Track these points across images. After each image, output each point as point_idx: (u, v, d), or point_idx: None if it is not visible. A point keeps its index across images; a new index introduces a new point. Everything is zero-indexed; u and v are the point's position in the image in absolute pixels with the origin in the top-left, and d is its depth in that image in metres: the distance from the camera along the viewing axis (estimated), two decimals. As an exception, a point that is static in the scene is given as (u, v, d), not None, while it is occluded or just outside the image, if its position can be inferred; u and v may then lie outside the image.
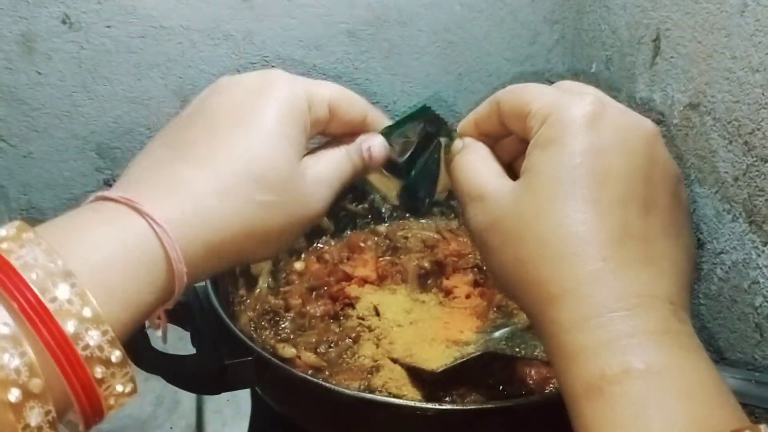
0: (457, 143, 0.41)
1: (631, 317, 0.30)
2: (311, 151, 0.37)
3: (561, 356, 0.31)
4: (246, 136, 0.32)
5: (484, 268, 0.69)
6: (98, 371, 0.25)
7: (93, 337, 0.25)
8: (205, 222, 0.30)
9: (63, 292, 0.25)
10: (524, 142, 0.37)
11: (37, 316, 0.24)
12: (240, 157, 0.31)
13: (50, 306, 0.24)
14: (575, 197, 0.32)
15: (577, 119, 0.34)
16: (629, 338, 0.29)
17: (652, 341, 0.29)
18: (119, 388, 0.26)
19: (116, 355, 0.26)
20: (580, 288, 0.31)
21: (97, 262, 0.27)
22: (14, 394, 0.23)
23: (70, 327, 0.24)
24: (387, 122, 0.41)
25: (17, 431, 0.23)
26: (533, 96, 0.37)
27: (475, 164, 0.38)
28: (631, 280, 0.31)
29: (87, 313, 0.25)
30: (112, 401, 0.26)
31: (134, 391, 0.27)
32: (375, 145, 0.39)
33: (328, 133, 0.38)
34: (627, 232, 0.32)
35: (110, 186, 0.32)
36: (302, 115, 0.34)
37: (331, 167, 0.37)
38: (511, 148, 0.40)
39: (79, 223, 0.28)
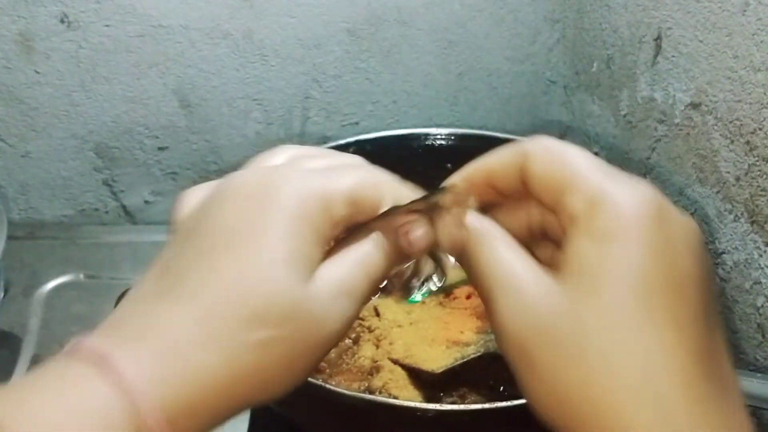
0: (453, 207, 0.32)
1: None
2: (330, 250, 0.30)
3: None
4: (240, 263, 0.26)
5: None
6: None
7: None
8: (187, 373, 0.25)
9: None
10: (543, 212, 0.31)
11: None
12: (230, 290, 0.26)
13: None
14: (652, 309, 0.26)
15: (645, 213, 0.27)
16: None
17: None
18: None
19: None
20: (666, 426, 0.26)
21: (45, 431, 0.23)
22: None
23: None
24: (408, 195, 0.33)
25: None
26: (579, 169, 0.29)
27: (503, 253, 0.29)
28: (716, 419, 0.27)
29: None
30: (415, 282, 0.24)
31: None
32: (416, 233, 0.31)
33: (351, 226, 0.31)
34: (707, 356, 0.27)
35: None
36: (314, 224, 0.28)
37: (354, 269, 0.30)
38: (520, 215, 0.32)
39: (35, 387, 0.24)
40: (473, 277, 0.31)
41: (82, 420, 0.24)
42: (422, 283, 0.33)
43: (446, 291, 0.34)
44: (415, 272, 0.33)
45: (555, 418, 0.29)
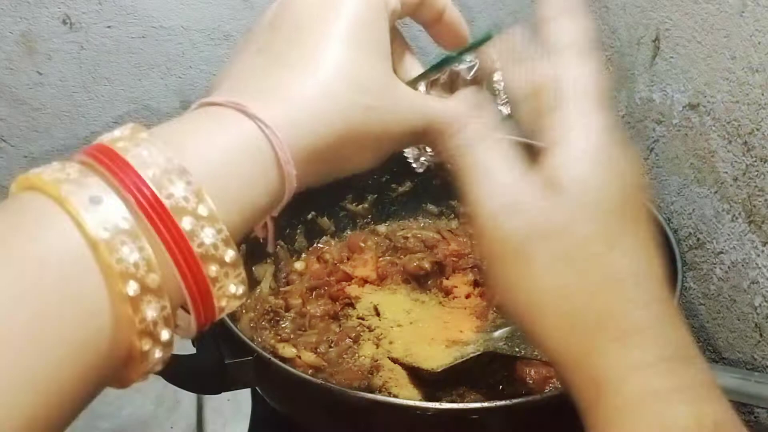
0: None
1: (700, 365, 0.30)
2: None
3: (620, 399, 0.30)
4: (338, 42, 0.31)
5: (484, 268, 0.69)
6: (212, 269, 0.25)
7: (208, 235, 0.25)
8: (311, 124, 0.29)
9: (179, 189, 0.25)
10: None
11: (154, 212, 0.24)
12: (336, 61, 0.30)
13: (167, 202, 0.24)
14: (640, 224, 0.31)
15: (599, 159, 0.32)
16: (701, 387, 0.29)
17: (716, 394, 0.29)
18: (231, 288, 0.26)
19: (230, 254, 0.26)
20: (656, 327, 0.30)
21: (211, 163, 0.27)
22: (132, 288, 0.23)
23: (186, 224, 0.24)
24: (460, 21, 0.40)
25: (134, 323, 0.23)
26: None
27: (495, 163, 0.34)
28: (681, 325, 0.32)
29: (202, 211, 0.25)
30: (224, 302, 0.26)
31: (245, 294, 0.27)
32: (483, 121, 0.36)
33: (407, 12, 0.38)
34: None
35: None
36: (382, 13, 0.33)
37: (427, 105, 0.35)
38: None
39: (191, 125, 0.28)
40: (465, 188, 0.36)
41: (239, 152, 0.27)
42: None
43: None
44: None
45: (539, 320, 0.32)
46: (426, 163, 0.41)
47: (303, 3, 0.33)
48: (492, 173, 0.34)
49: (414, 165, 0.41)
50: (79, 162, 0.25)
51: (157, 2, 0.73)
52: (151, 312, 0.24)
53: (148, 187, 0.24)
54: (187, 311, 0.26)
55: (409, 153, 0.41)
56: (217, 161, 0.27)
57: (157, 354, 0.25)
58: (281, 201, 0.30)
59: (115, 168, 0.24)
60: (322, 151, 0.30)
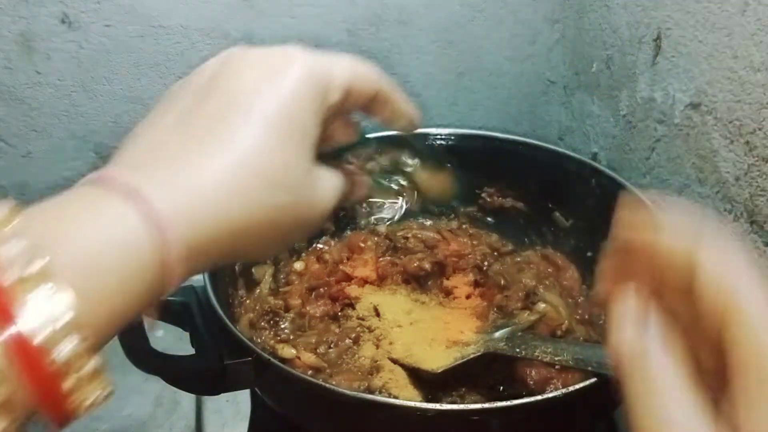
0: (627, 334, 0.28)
1: None
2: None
3: None
4: (263, 130, 0.29)
5: (484, 268, 0.69)
6: (68, 382, 0.24)
7: (66, 347, 0.23)
8: (210, 217, 0.28)
9: (39, 295, 0.23)
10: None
11: (4, 323, 0.23)
12: (256, 153, 0.29)
13: (20, 312, 0.23)
14: None
15: None
16: None
17: None
18: (92, 396, 0.25)
19: (90, 365, 0.24)
20: None
21: (80, 260, 0.25)
22: None
23: (39, 338, 0.23)
24: (399, 96, 0.38)
25: None
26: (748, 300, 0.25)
27: (668, 402, 0.26)
28: None
29: (64, 318, 0.23)
30: (82, 411, 0.25)
31: (111, 393, 0.26)
32: (361, 183, 0.38)
33: (337, 113, 0.35)
34: None
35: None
36: (319, 104, 0.31)
37: (338, 183, 0.35)
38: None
39: (71, 212, 0.26)
40: (633, 418, 0.27)
41: (114, 248, 0.26)
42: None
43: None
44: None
45: None
46: (381, 218, 0.43)
47: (241, 73, 0.31)
48: (671, 419, 0.25)
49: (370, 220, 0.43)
50: None
51: (156, 1, 0.73)
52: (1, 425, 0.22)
53: (3, 296, 0.23)
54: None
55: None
56: (87, 258, 0.25)
57: None
58: (164, 293, 0.28)
59: None
60: (218, 245, 0.28)
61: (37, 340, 0.23)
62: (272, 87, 0.30)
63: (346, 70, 0.33)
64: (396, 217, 0.41)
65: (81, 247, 0.25)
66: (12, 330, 0.22)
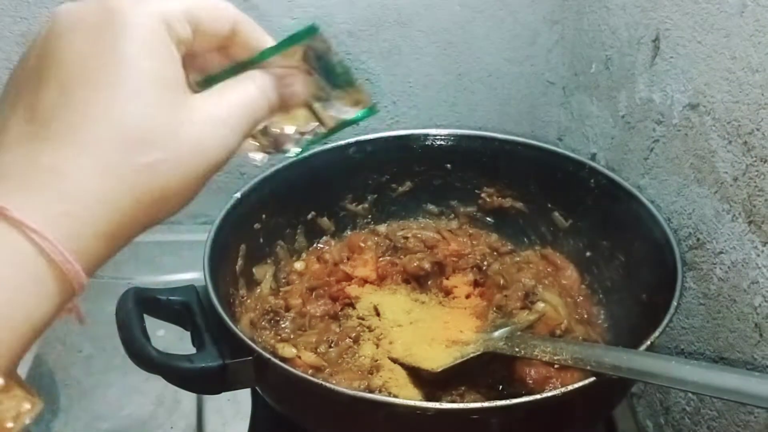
0: None
1: None
2: (214, 86, 0.32)
3: None
4: (109, 95, 0.27)
5: (484, 268, 0.69)
6: None
7: None
8: (92, 210, 0.26)
9: None
10: None
11: None
12: (110, 122, 0.27)
13: None
14: None
15: None
16: None
17: None
18: (12, 411, 0.24)
19: None
20: None
21: None
22: None
23: None
24: (259, 34, 0.34)
25: None
26: None
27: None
28: None
29: None
30: (10, 424, 0.24)
31: (34, 405, 0.25)
32: (296, 83, 0.34)
33: (197, 52, 0.32)
34: None
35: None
36: (164, 44, 0.29)
37: (236, 106, 0.31)
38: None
39: None
40: None
41: (9, 265, 0.24)
42: (303, 135, 0.35)
43: (324, 139, 0.36)
44: (295, 124, 0.35)
45: None
46: (268, 154, 0.37)
47: (68, 50, 0.28)
48: None
49: (256, 159, 0.37)
50: None
51: (156, 2, 0.73)
52: None
53: None
54: None
55: (250, 150, 0.37)
56: None
57: None
58: (74, 296, 0.27)
59: None
60: (115, 231, 0.27)
61: None
62: (106, 49, 0.28)
63: (181, 4, 0.30)
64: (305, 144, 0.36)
65: None
66: None
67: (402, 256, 0.70)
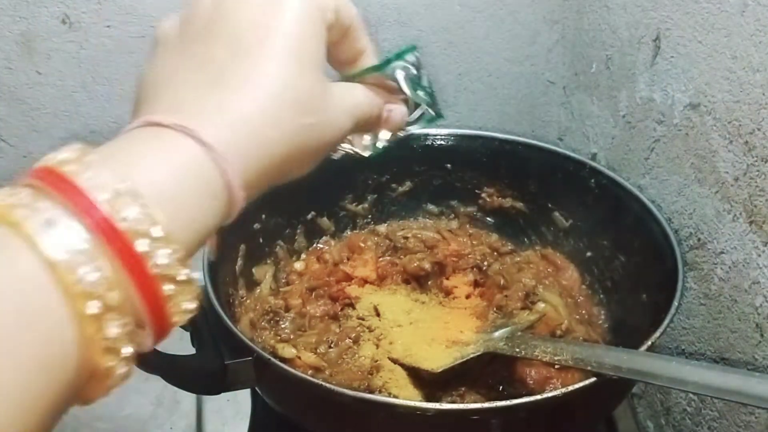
0: None
1: None
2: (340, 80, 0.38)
3: None
4: (280, 61, 0.31)
5: (484, 268, 0.69)
6: (168, 288, 0.26)
7: (163, 255, 0.26)
8: (257, 149, 0.30)
9: (133, 211, 0.25)
10: None
11: (109, 235, 0.24)
12: (276, 80, 0.31)
13: (122, 225, 0.25)
14: None
15: None
16: None
17: None
18: (185, 305, 0.27)
19: (183, 273, 0.27)
20: None
21: (162, 186, 0.27)
22: (94, 306, 0.24)
23: (141, 246, 0.25)
24: (367, 40, 0.40)
25: (98, 342, 0.24)
26: None
27: None
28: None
29: (156, 233, 0.26)
30: (177, 318, 0.27)
31: (199, 308, 0.28)
32: (396, 111, 0.40)
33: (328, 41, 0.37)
34: None
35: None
36: (321, 24, 0.34)
37: (361, 101, 0.37)
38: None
39: (139, 147, 0.28)
40: None
41: (188, 174, 0.28)
42: (376, 139, 0.41)
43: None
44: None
45: None
46: (341, 150, 0.42)
47: (240, 11, 0.32)
48: None
49: (334, 155, 0.41)
50: (29, 186, 0.25)
51: (156, 2, 0.73)
52: (113, 329, 0.24)
53: (102, 211, 0.25)
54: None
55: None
56: (168, 184, 0.27)
57: (120, 370, 0.25)
58: (228, 219, 0.30)
59: (67, 192, 0.25)
60: (267, 171, 0.31)
61: (139, 248, 0.25)
62: (275, 18, 0.32)
63: None
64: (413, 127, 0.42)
65: (159, 174, 0.27)
66: (117, 241, 0.24)
67: (402, 256, 0.70)
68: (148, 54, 0.34)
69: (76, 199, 0.24)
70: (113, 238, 0.24)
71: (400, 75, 0.42)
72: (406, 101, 0.41)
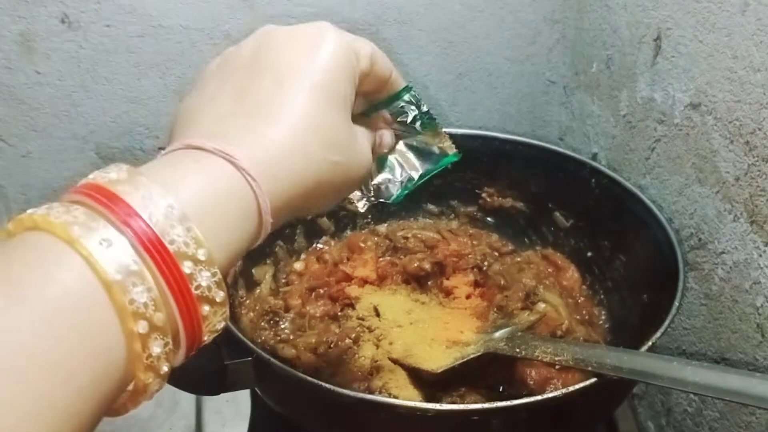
0: None
1: None
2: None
3: None
4: (312, 99, 0.33)
5: (485, 269, 0.69)
6: (205, 309, 0.28)
7: (204, 277, 0.27)
8: (288, 178, 0.32)
9: (180, 234, 0.26)
10: None
11: (159, 256, 0.26)
12: (311, 118, 0.33)
13: (170, 247, 0.26)
14: None
15: None
16: None
17: None
18: (217, 325, 0.29)
19: (220, 295, 0.28)
20: None
21: (203, 209, 0.28)
22: (142, 326, 0.25)
23: (186, 268, 0.26)
24: (403, 82, 0.43)
25: (142, 359, 0.25)
26: None
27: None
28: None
29: (201, 255, 0.27)
30: (207, 337, 0.29)
31: (225, 327, 0.30)
32: (386, 134, 0.43)
33: (363, 90, 0.39)
34: None
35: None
36: (353, 71, 0.36)
37: (367, 132, 0.40)
38: None
39: (182, 170, 0.29)
40: None
41: (226, 197, 0.29)
42: (396, 183, 0.44)
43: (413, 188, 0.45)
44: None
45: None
46: (368, 203, 0.45)
47: (283, 49, 0.35)
48: None
49: (358, 205, 0.45)
50: (80, 203, 0.26)
51: (156, 1, 0.73)
52: (156, 348, 0.26)
53: (153, 232, 0.26)
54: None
55: (353, 196, 0.45)
56: (208, 207, 0.29)
57: (156, 386, 0.27)
58: (256, 243, 0.32)
59: (120, 212, 0.26)
60: (293, 201, 0.33)
61: (186, 270, 0.26)
62: (313, 61, 0.34)
63: (369, 45, 0.38)
64: (398, 193, 0.45)
65: (202, 197, 0.29)
66: (166, 262, 0.26)
67: (402, 257, 0.70)
68: (190, 85, 0.37)
69: (128, 220, 0.26)
70: (162, 260, 0.26)
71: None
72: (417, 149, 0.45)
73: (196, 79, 0.37)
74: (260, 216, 0.31)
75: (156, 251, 0.26)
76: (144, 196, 0.26)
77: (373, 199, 0.45)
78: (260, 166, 0.31)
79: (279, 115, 0.33)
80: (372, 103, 0.42)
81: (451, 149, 0.46)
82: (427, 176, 0.45)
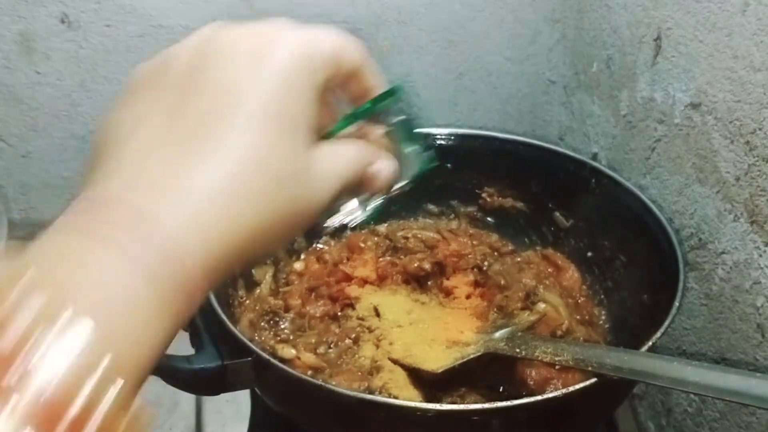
0: None
1: None
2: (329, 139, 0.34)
3: None
4: (259, 125, 0.28)
5: (485, 269, 0.69)
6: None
7: (109, 397, 0.22)
8: (222, 227, 0.27)
9: (70, 350, 0.22)
10: None
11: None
12: (255, 149, 0.28)
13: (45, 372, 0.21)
14: None
15: None
16: None
17: None
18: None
19: (132, 408, 0.23)
20: None
21: (107, 307, 0.24)
22: None
23: (81, 397, 0.22)
24: (375, 73, 0.35)
25: None
26: None
27: None
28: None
29: (99, 370, 0.22)
30: None
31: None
32: (385, 169, 0.35)
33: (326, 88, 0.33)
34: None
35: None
36: (312, 82, 0.30)
37: (350, 162, 0.33)
38: None
39: (80, 252, 0.25)
40: None
41: (136, 289, 0.24)
42: (368, 201, 0.37)
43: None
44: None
45: None
46: (338, 221, 0.39)
47: (223, 62, 0.29)
48: None
49: (326, 224, 0.39)
50: None
51: (156, 1, 0.73)
52: None
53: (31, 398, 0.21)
54: None
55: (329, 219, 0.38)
56: (114, 302, 0.24)
57: None
58: (189, 315, 0.27)
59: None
60: (236, 249, 0.28)
61: (79, 400, 0.21)
62: (259, 77, 0.29)
63: (333, 44, 0.32)
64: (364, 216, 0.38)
65: (102, 295, 0.24)
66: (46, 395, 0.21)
67: (402, 257, 0.70)
68: (115, 98, 0.31)
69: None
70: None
71: (393, 124, 0.37)
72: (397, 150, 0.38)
73: (125, 85, 0.31)
74: (186, 292, 0.26)
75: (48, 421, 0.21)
76: (24, 316, 0.21)
77: (342, 217, 0.39)
78: (186, 219, 0.26)
79: (216, 148, 0.27)
80: (352, 109, 0.36)
81: (426, 157, 0.40)
82: (400, 190, 0.39)
